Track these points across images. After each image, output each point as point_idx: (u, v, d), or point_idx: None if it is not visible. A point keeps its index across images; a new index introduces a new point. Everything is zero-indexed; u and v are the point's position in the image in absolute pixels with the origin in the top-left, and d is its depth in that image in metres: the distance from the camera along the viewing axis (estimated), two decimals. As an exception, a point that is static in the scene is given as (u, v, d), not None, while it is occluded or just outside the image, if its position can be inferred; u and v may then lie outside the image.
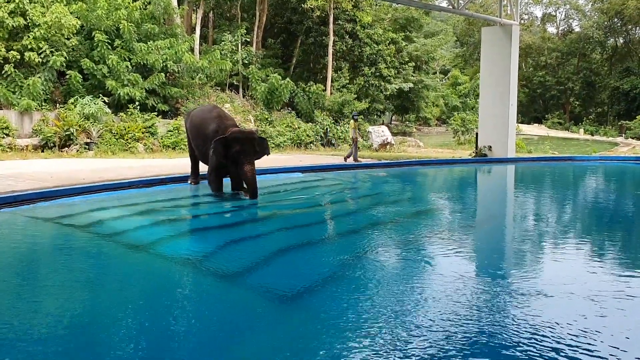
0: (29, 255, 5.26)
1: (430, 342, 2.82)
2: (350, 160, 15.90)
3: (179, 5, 23.47)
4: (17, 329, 3.14)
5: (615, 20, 48.06)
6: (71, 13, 18.56)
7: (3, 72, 17.49)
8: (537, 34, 53.70)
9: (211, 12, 28.37)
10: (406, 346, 2.77)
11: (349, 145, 18.46)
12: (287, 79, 24.30)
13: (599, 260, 4.98)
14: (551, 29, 57.12)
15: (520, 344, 2.80)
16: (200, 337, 3.14)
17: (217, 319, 3.47)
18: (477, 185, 13.47)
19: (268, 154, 7.96)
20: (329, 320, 3.29)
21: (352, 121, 16.46)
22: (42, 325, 3.22)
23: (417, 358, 2.63)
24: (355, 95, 27.17)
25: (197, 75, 22.48)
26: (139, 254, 5.16)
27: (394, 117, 45.14)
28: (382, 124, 33.36)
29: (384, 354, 2.68)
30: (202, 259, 4.96)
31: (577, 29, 53.80)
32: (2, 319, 3.32)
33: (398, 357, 2.64)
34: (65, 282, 4.27)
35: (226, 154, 7.33)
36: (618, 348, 2.78)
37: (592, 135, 42.45)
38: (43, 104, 18.14)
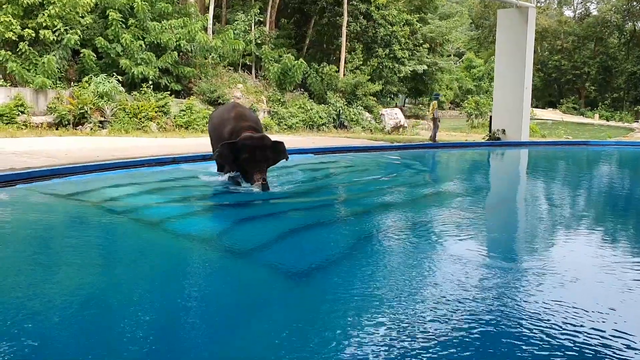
0: (44, 230, 5.33)
1: (439, 319, 2.84)
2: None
3: (192, -16, 23.39)
4: (33, 302, 3.19)
5: (635, 3, 47.25)
6: (85, -9, 18.57)
7: (18, 49, 17.56)
8: (553, 17, 52.96)
9: (225, -9, 28.23)
10: (417, 322, 2.80)
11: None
12: (300, 59, 24.18)
13: (610, 245, 4.96)
14: (568, 13, 56.34)
15: (527, 326, 2.81)
16: (215, 312, 3.19)
17: (230, 294, 3.52)
18: (490, 169, 13.41)
19: (286, 158, 7.13)
20: (342, 297, 3.31)
21: (434, 101, 17.00)
22: (58, 298, 3.28)
23: (428, 334, 2.66)
24: (369, 77, 26.99)
25: (210, 54, 22.45)
26: (152, 231, 5.22)
27: (407, 100, 44.87)
28: (396, 106, 33.20)
29: (397, 332, 2.71)
30: (215, 236, 5.00)
31: (594, 13, 52.99)
32: (19, 292, 3.38)
33: (411, 333, 2.66)
34: (79, 257, 4.33)
35: (234, 161, 6.72)
36: (627, 333, 2.78)
37: (607, 120, 41.98)
38: (57, 82, 18.23)
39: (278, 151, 6.95)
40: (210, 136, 8.17)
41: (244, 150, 6.52)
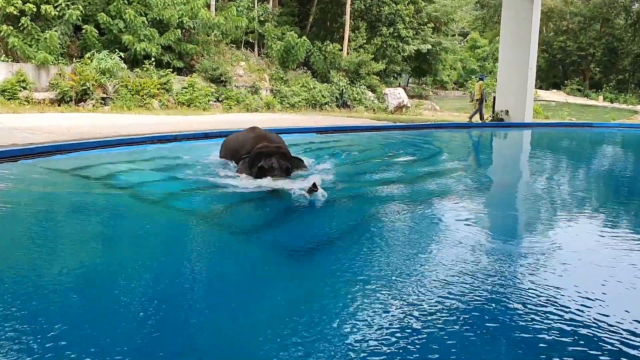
0: (47, 205, 5.35)
1: (438, 299, 2.86)
2: (476, 119, 16.93)
3: (195, -41, 23.13)
4: (34, 277, 3.22)
5: (643, -16, 46.72)
6: (87, -35, 18.42)
7: (19, 24, 17.46)
8: (560, -3, 52.39)
9: (228, -33, 27.95)
10: (417, 299, 2.82)
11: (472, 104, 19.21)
12: (304, 37, 24.02)
13: (610, 228, 4.97)
14: (575, -8, 55.68)
15: (528, 306, 2.83)
16: (217, 288, 3.21)
17: (233, 271, 3.54)
18: (491, 150, 13.38)
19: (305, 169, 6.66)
20: (343, 275, 3.34)
21: (480, 82, 17.22)
22: (59, 273, 3.30)
23: (428, 311, 2.68)
24: (372, 56, 26.83)
25: (213, 32, 22.31)
26: (154, 207, 5.23)
27: (410, 80, 44.63)
28: (399, 86, 33.04)
29: (398, 309, 2.73)
30: (217, 214, 5.02)
31: (601, -7, 52.39)
32: (20, 267, 3.40)
33: (411, 310, 2.68)
34: (82, 232, 4.35)
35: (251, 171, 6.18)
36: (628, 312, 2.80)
37: (612, 102, 41.75)
38: (59, 58, 18.16)
39: (295, 164, 6.48)
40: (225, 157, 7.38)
41: (258, 159, 6.04)
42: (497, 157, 11.44)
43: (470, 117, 17.57)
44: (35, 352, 2.24)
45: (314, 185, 5.05)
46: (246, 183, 5.92)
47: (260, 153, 6.10)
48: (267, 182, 5.82)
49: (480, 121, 17.56)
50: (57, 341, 2.35)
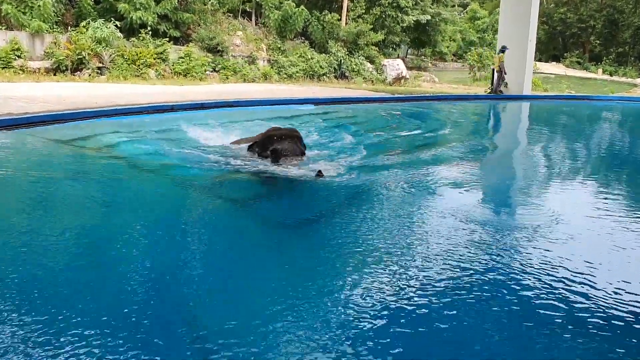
0: (43, 175, 5.34)
1: (434, 271, 2.88)
2: (504, 91, 17.66)
3: None
4: (33, 247, 3.23)
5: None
6: None
7: (13, -9, 17.20)
8: (562, -33, 51.66)
9: None
10: (413, 271, 2.84)
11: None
12: (301, 6, 23.71)
13: (605, 199, 4.99)
14: (577, -37, 54.85)
15: (526, 278, 2.86)
16: (210, 257, 3.23)
17: (226, 241, 3.56)
18: (487, 122, 13.35)
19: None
20: (336, 247, 3.36)
21: (501, 54, 17.27)
22: (57, 242, 3.31)
23: (424, 283, 2.70)
24: (371, 26, 26.51)
25: (210, 0, 21.99)
26: (151, 177, 5.24)
27: (409, 51, 44.20)
28: (398, 57, 32.74)
29: (391, 280, 2.75)
30: (212, 185, 5.02)
31: (604, -37, 51.64)
32: (18, 237, 3.41)
33: (406, 282, 2.71)
34: (79, 201, 4.36)
35: (261, 154, 5.75)
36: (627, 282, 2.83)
37: (611, 75, 41.53)
38: (54, 26, 17.92)
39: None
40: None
41: (271, 141, 5.62)
42: (494, 131, 11.42)
43: (495, 90, 17.79)
44: (33, 315, 2.26)
45: (320, 172, 4.96)
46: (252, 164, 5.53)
47: (271, 136, 5.68)
48: (279, 168, 5.38)
49: (492, 92, 17.72)
50: (53, 305, 2.37)
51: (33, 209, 4.08)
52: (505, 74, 17.86)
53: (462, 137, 9.25)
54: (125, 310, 2.39)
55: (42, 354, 1.99)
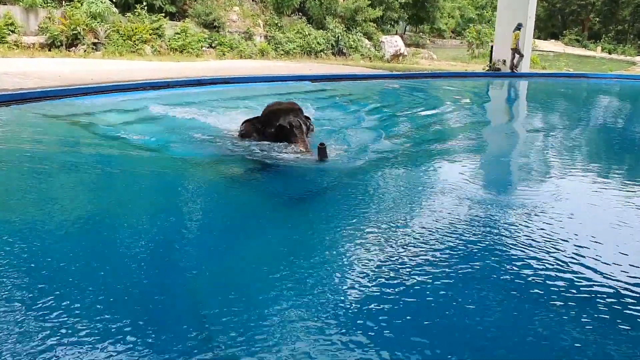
0: (38, 152, 5.32)
1: (431, 248, 2.90)
2: (520, 69, 17.79)
3: None
4: (29, 224, 3.24)
5: None
6: None
7: (6, -35, 16.96)
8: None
9: None
10: (409, 247, 2.87)
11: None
12: (299, -18, 23.48)
13: (602, 179, 5.00)
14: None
15: (521, 256, 2.88)
16: (210, 231, 3.25)
17: (225, 215, 3.58)
18: (483, 100, 13.31)
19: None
20: (335, 221, 3.38)
21: (517, 31, 17.31)
22: (54, 219, 3.32)
23: (419, 258, 2.73)
24: (369, 2, 26.26)
25: (206, -25, 21.76)
26: (147, 155, 5.22)
27: (407, 28, 43.82)
28: (396, 34, 32.48)
29: (389, 254, 2.77)
30: (211, 162, 5.01)
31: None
32: (13, 214, 3.42)
33: (402, 256, 2.73)
34: (74, 177, 4.36)
35: (264, 133, 5.34)
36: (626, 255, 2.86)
37: (610, 53, 41.30)
38: (48, 0, 17.70)
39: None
40: None
41: (274, 117, 5.23)
42: (490, 109, 11.39)
43: (512, 67, 17.91)
44: (31, 290, 2.29)
45: (324, 152, 4.61)
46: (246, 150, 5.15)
47: (275, 111, 5.29)
48: (280, 154, 4.96)
49: (510, 71, 17.79)
50: (50, 281, 2.40)
51: (29, 188, 4.08)
52: (520, 52, 17.90)
53: (461, 115, 9.23)
54: (128, 285, 2.42)
55: (40, 334, 2.01)
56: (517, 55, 17.88)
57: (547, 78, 18.45)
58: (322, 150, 4.61)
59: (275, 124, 5.18)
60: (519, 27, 17.59)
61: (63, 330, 2.01)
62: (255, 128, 5.42)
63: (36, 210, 3.45)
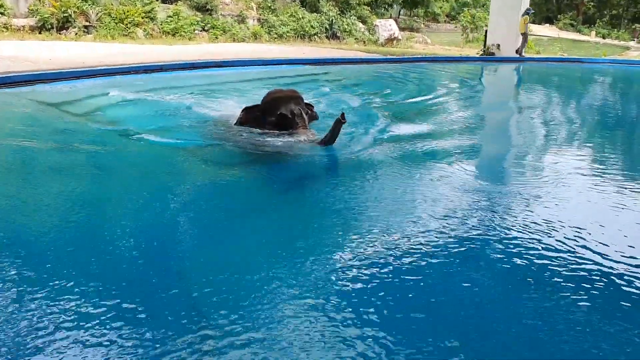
0: (28, 136, 5.26)
1: (427, 233, 2.89)
2: (524, 54, 17.88)
3: None
4: (21, 211, 3.20)
5: None
6: None
7: (-6, -55, 16.68)
8: None
9: None
10: (406, 232, 2.85)
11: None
12: (293, -36, 23.25)
13: (597, 166, 5.00)
14: None
15: (516, 243, 2.87)
16: (201, 217, 3.22)
17: (217, 202, 3.55)
18: (476, 85, 13.27)
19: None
20: (330, 206, 3.36)
21: (526, 16, 17.29)
22: (46, 206, 3.28)
23: (416, 242, 2.71)
24: (364, -15, 26.10)
25: (199, -43, 21.49)
26: (138, 141, 5.16)
27: (402, 12, 43.60)
28: (390, 17, 32.30)
29: (385, 241, 2.76)
30: (201, 149, 4.96)
31: None
32: (6, 201, 3.38)
33: (397, 240, 2.72)
34: (66, 163, 4.31)
35: (264, 122, 5.14)
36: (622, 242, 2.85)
37: (604, 38, 41.23)
38: (38, -18, 17.46)
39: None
40: None
41: (275, 105, 5.07)
42: (484, 93, 11.36)
43: (520, 52, 17.97)
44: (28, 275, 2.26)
45: (339, 126, 4.32)
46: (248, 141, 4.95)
47: (276, 99, 5.11)
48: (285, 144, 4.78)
49: (518, 55, 17.83)
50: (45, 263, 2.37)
51: (21, 171, 4.04)
52: (528, 36, 18.04)
53: (455, 99, 9.19)
54: (124, 266, 2.39)
55: (37, 313, 1.99)
56: (525, 39, 18.05)
57: (543, 63, 18.40)
58: (337, 125, 4.31)
59: (276, 112, 5.03)
60: (527, 12, 17.61)
61: (54, 325, 1.98)
62: (255, 116, 5.23)
63: (19, 197, 3.41)
